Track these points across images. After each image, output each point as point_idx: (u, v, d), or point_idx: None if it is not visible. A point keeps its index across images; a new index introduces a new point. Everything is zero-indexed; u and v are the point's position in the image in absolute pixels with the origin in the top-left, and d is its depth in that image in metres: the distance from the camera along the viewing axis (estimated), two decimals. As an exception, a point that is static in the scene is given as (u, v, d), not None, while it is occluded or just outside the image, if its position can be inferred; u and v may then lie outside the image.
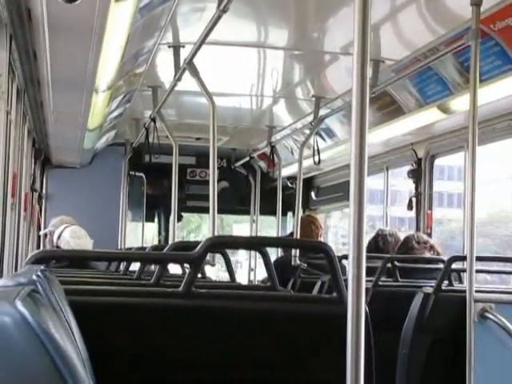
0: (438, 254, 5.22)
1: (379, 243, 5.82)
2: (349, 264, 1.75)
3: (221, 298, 2.65)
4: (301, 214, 6.91)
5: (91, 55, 4.16)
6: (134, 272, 3.85)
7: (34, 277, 1.41)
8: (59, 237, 6.79)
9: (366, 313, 1.74)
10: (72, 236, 6.71)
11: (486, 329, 3.75)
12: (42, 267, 1.93)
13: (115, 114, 7.01)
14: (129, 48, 4.23)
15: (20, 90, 5.18)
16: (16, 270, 5.66)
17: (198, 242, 2.63)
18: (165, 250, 3.35)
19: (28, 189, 7.26)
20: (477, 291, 3.69)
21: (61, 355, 1.04)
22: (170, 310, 2.52)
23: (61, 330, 1.20)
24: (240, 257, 13.41)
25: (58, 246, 6.77)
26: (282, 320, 2.62)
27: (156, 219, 10.26)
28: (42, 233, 8.30)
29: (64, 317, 1.58)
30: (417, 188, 6.64)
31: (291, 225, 9.84)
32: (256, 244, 3.22)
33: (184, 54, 4.89)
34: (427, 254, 5.18)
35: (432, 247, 5.22)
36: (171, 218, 6.12)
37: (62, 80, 4.94)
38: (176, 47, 5.05)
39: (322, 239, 7.35)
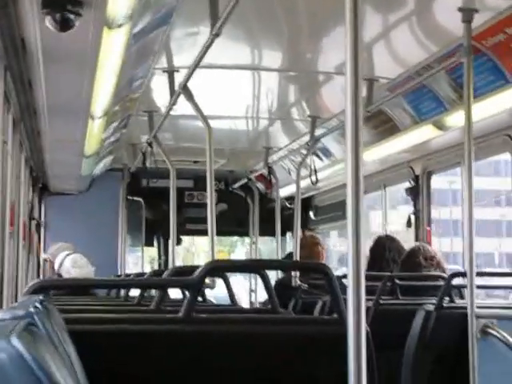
0: (444, 271, 5.08)
1: (386, 243, 5.75)
2: (348, 284, 1.75)
3: (221, 322, 2.64)
4: (300, 234, 6.90)
5: (86, 82, 4.18)
6: (134, 297, 3.84)
7: (32, 309, 1.40)
8: (60, 265, 6.78)
9: (367, 332, 1.73)
10: (73, 265, 6.70)
11: (488, 345, 3.73)
12: (41, 297, 1.93)
13: (112, 139, 7.02)
14: (123, 74, 4.24)
15: (16, 119, 5.19)
16: (16, 298, 5.65)
17: (196, 267, 2.63)
18: (164, 275, 3.35)
19: (26, 217, 7.25)
20: (478, 307, 3.68)
21: None
22: (170, 336, 2.52)
23: (58, 362, 1.19)
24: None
25: (59, 274, 6.75)
26: (284, 342, 2.61)
27: (155, 243, 10.25)
28: (44, 256, 8.30)
29: (63, 348, 1.57)
30: (415, 205, 6.64)
31: (290, 245, 9.84)
32: (256, 267, 3.21)
33: (178, 78, 4.91)
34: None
35: (439, 264, 5.09)
36: (170, 241, 6.12)
37: (57, 108, 4.96)
38: (170, 72, 5.07)
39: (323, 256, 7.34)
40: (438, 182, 6.82)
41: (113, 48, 3.61)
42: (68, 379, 1.13)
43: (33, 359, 0.99)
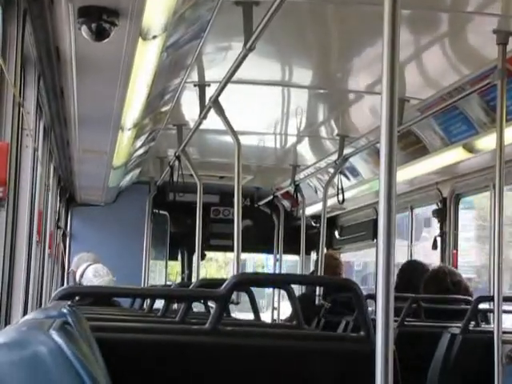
0: (470, 295, 4.97)
1: (417, 266, 5.65)
2: (377, 303, 1.74)
3: (248, 335, 2.63)
4: (324, 252, 6.87)
5: (118, 93, 4.20)
6: (158, 310, 3.83)
7: (64, 310, 1.40)
8: (82, 275, 6.81)
9: (394, 352, 1.72)
10: (95, 275, 6.73)
11: (514, 371, 3.69)
12: (69, 303, 1.93)
13: (140, 152, 7.05)
14: (155, 86, 4.26)
15: (47, 127, 5.22)
16: (40, 306, 5.66)
17: (222, 280, 2.62)
18: (190, 287, 3.35)
19: (53, 226, 7.29)
20: (504, 332, 3.64)
21: None
22: (196, 347, 2.51)
23: (92, 361, 1.19)
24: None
25: (80, 285, 6.78)
26: (309, 358, 2.60)
27: (179, 257, 10.26)
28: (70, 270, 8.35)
29: (92, 350, 1.57)
30: (442, 227, 6.59)
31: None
32: (282, 281, 3.20)
33: (209, 92, 4.91)
34: None
35: (466, 289, 4.98)
36: (195, 256, 6.12)
37: (88, 118, 4.98)
38: (201, 86, 5.07)
39: (343, 276, 7.29)
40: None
41: (146, 60, 3.62)
42: (101, 376, 1.13)
43: (72, 353, 1.00)
